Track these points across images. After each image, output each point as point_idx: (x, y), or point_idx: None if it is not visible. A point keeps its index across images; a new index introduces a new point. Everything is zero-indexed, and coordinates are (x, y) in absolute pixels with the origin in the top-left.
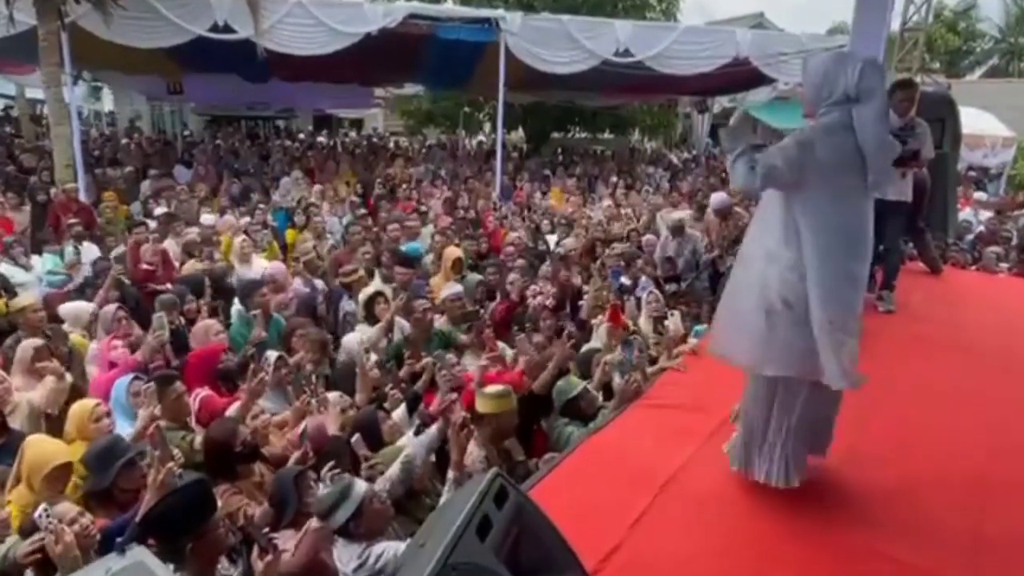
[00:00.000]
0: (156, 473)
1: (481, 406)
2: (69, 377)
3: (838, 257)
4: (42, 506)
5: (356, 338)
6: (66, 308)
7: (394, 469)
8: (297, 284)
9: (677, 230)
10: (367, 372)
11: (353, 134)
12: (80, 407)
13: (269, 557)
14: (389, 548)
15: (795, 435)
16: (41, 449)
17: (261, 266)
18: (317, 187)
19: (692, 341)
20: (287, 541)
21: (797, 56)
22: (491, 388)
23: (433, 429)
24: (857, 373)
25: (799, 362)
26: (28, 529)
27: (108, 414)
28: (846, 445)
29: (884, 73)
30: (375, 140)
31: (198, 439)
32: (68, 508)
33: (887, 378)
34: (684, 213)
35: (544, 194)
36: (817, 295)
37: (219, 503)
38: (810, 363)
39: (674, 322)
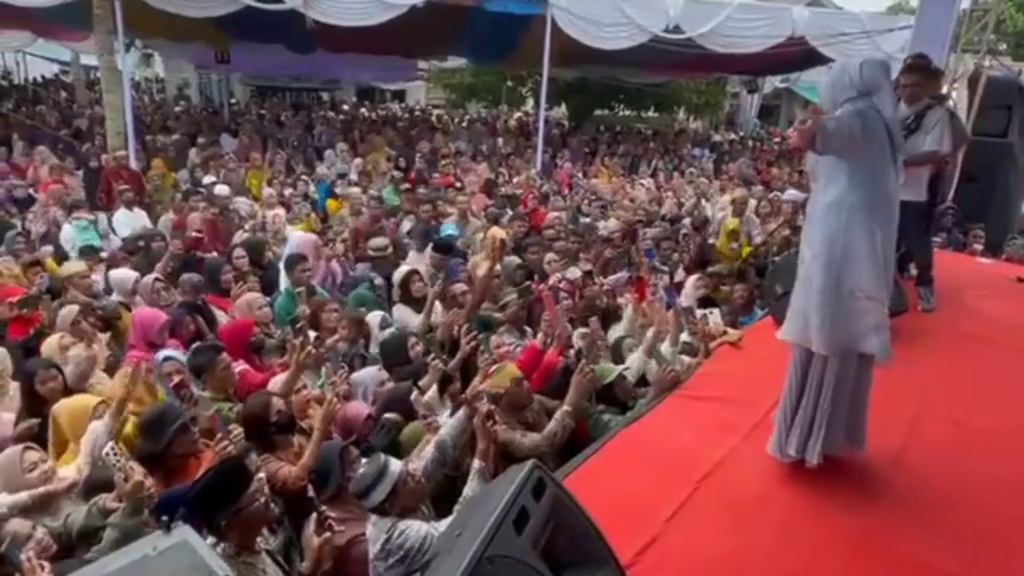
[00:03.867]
0: (213, 451)
1: (490, 387)
2: (96, 347)
3: (873, 229)
4: (109, 444)
5: (377, 315)
6: (114, 275)
7: (429, 450)
8: (334, 266)
9: (740, 208)
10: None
11: (395, 106)
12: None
13: (326, 535)
14: (412, 526)
15: (828, 411)
16: (74, 405)
17: (295, 237)
18: (357, 160)
19: (734, 333)
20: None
21: (858, 37)
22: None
23: (460, 413)
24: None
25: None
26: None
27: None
28: (896, 445)
29: (888, 67)
30: (417, 113)
31: None
32: (136, 468)
33: (939, 377)
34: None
35: (585, 173)
36: (849, 267)
37: (260, 475)
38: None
39: (713, 319)
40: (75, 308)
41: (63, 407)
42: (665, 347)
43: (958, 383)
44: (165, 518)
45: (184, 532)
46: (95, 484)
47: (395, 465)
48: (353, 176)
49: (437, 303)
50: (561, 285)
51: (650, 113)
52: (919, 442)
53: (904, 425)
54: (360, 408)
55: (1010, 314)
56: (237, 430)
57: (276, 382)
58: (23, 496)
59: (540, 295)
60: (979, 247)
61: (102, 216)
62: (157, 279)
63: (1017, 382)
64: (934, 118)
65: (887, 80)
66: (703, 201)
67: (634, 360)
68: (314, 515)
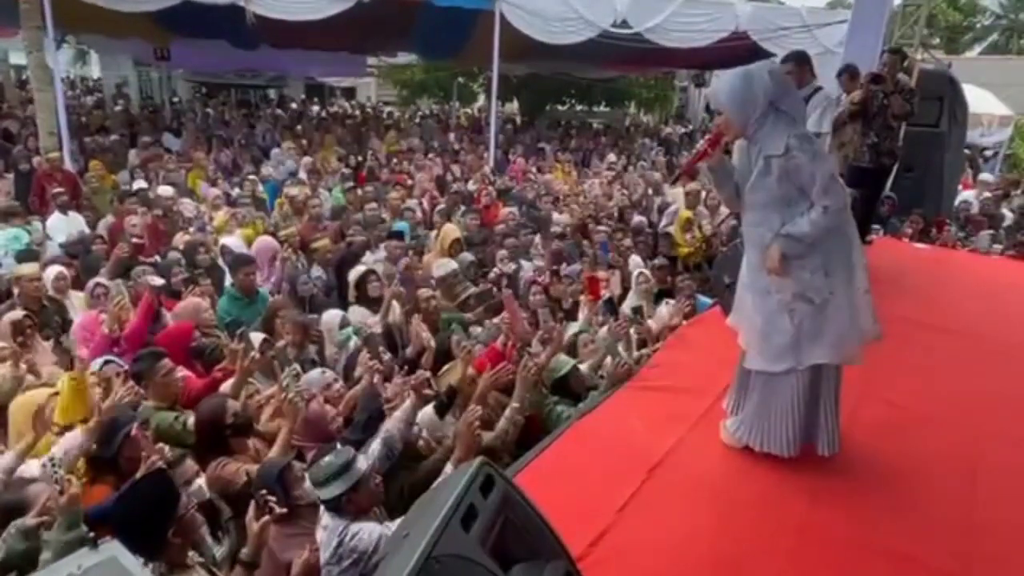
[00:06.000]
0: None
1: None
2: (24, 367)
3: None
4: (47, 456)
5: (336, 316)
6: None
7: (375, 446)
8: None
9: (693, 200)
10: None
11: (345, 103)
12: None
13: (265, 518)
14: (364, 528)
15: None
16: (27, 400)
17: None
18: (307, 159)
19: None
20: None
21: (798, 31)
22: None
23: (406, 404)
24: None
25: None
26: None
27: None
28: (842, 431)
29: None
30: (368, 110)
31: (191, 419)
32: (43, 491)
33: (879, 361)
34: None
35: (539, 168)
36: (850, 271)
37: (198, 482)
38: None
39: (669, 310)
40: (18, 314)
41: (18, 403)
42: (620, 349)
43: (894, 365)
44: (92, 534)
45: (112, 548)
46: (9, 508)
47: (362, 462)
48: (302, 175)
49: (395, 302)
50: (540, 279)
51: (601, 108)
52: (859, 425)
53: (845, 411)
54: (323, 406)
55: (944, 297)
56: (161, 447)
57: (224, 388)
58: None
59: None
60: (910, 231)
61: (36, 223)
62: (98, 284)
63: (952, 361)
64: (815, 102)
65: (790, 81)
66: (650, 191)
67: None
68: (253, 501)
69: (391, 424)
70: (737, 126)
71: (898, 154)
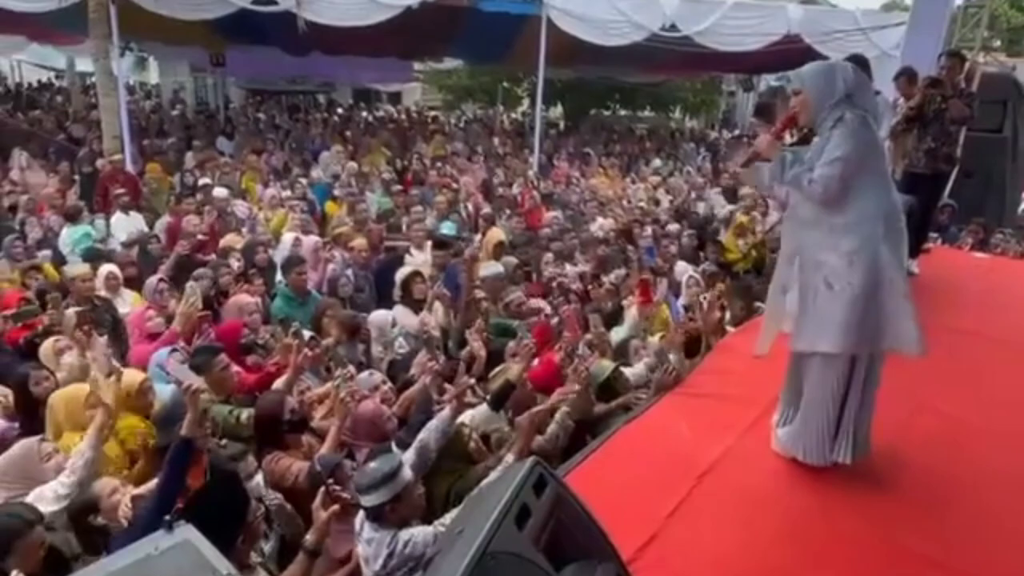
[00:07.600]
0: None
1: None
2: (90, 354)
3: (894, 236)
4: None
5: (385, 316)
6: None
7: (409, 455)
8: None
9: (750, 205)
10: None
11: (391, 108)
12: (130, 380)
13: (334, 507)
14: (416, 533)
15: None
16: (69, 394)
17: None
18: (351, 164)
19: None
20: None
21: (853, 33)
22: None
23: (446, 412)
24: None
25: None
26: None
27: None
28: (894, 441)
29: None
30: (415, 115)
31: (244, 413)
32: (108, 482)
33: (934, 372)
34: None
35: (583, 173)
36: (887, 271)
37: (256, 480)
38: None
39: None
40: (76, 309)
41: (59, 396)
42: (672, 356)
43: (949, 377)
44: (167, 517)
45: (187, 531)
46: (80, 508)
47: (408, 472)
48: (344, 178)
49: (437, 303)
50: (574, 287)
51: (646, 112)
52: (912, 436)
53: (898, 421)
54: (379, 406)
55: (1003, 308)
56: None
57: (277, 384)
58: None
59: (565, 315)
60: (970, 240)
61: (99, 222)
62: (161, 279)
63: (1010, 374)
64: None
65: (869, 83)
66: (692, 195)
67: (636, 370)
68: (322, 488)
69: (426, 433)
70: (813, 108)
71: (956, 160)
